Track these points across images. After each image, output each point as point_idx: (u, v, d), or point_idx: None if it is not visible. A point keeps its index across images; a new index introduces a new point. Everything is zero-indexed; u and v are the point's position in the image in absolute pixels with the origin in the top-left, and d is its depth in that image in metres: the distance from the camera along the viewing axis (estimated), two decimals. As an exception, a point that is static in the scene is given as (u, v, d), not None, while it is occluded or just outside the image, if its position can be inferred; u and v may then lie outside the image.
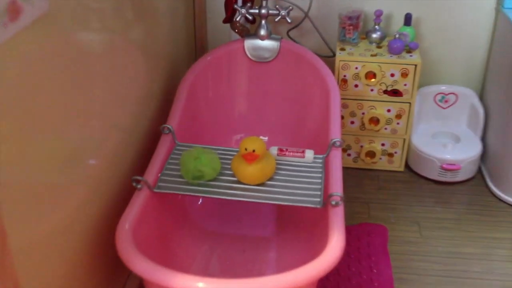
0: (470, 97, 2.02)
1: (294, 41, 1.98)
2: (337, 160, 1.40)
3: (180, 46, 1.89)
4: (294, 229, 1.55)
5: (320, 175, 1.39)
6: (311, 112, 1.73)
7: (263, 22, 1.72)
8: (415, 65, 1.82)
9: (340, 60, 1.85)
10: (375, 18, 1.90)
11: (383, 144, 2.00)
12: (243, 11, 1.72)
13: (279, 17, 1.72)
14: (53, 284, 1.05)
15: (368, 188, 1.96)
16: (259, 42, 1.74)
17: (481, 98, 2.04)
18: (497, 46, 1.92)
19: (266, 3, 1.72)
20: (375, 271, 1.58)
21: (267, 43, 1.73)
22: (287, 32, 2.00)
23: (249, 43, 1.74)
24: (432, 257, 1.65)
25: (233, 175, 1.37)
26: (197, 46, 2.04)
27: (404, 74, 1.83)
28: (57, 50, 0.99)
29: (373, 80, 1.86)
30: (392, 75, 1.84)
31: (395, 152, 2.01)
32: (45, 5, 0.92)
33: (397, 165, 2.03)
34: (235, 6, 1.73)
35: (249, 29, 1.81)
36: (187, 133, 1.58)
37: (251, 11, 1.72)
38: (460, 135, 2.02)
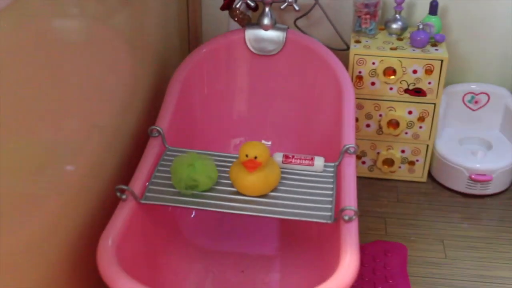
0: (504, 97, 2.03)
1: (302, 31, 1.99)
2: (350, 169, 1.41)
3: (171, 36, 1.90)
4: (301, 247, 1.56)
5: (331, 185, 1.40)
6: (321, 113, 1.74)
7: (266, 9, 1.74)
8: (441, 61, 1.83)
9: (355, 54, 1.86)
10: (396, 6, 1.91)
11: (403, 151, 2.01)
12: (244, -4, 1.73)
13: (286, 4, 1.73)
14: (25, 307, 1.06)
15: (385, 201, 1.97)
16: (262, 33, 1.75)
17: (516, 98, 2.06)
18: (535, 40, 1.94)
19: (271, -12, 1.73)
20: (393, 296, 1.60)
21: (271, 33, 1.74)
22: (295, 22, 2.01)
23: (250, 33, 1.75)
24: (459, 281, 1.66)
25: (231, 185, 1.38)
26: (190, 36, 2.05)
27: (429, 71, 1.84)
28: (28, 40, 1.00)
29: (392, 77, 1.87)
30: (415, 71, 1.85)
31: (417, 160, 2.02)
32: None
33: (419, 175, 2.04)
34: (235, -9, 1.74)
35: (250, 17, 1.82)
36: (179, 136, 1.59)
37: (254, -4, 1.74)
38: (492, 141, 2.03)
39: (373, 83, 1.89)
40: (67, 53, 1.17)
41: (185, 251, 1.53)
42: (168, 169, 1.40)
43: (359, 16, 1.91)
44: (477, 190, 1.95)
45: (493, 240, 1.81)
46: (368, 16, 1.90)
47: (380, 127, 1.96)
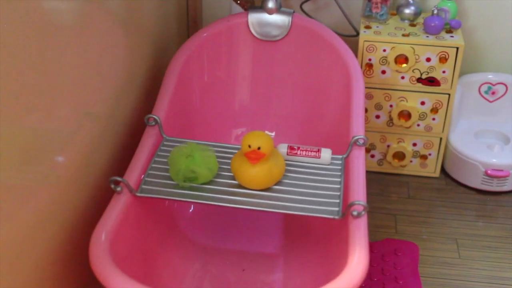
0: (522, 88, 2.03)
1: (309, 16, 1.99)
2: (359, 162, 1.41)
3: (169, 20, 1.90)
4: (306, 245, 1.55)
5: (338, 179, 1.40)
6: (329, 103, 1.73)
7: (271, -8, 1.73)
8: (457, 48, 1.82)
9: (365, 41, 1.85)
10: (409, -10, 1.91)
11: (414, 144, 2.00)
12: (248, -22, 1.73)
13: (292, -14, 1.73)
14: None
15: (395, 197, 1.97)
16: (266, 17, 1.74)
17: (536, 89, 2.05)
18: (556, 27, 1.93)
19: (276, -31, 1.73)
20: (403, 298, 1.59)
21: (276, 17, 1.74)
22: (301, 5, 2.00)
23: (254, 17, 1.74)
24: (473, 282, 1.66)
25: (233, 178, 1.38)
26: (189, 20, 2.04)
27: (443, 59, 1.84)
28: (15, 21, 0.99)
29: (404, 65, 1.86)
30: (428, 59, 1.85)
31: (429, 154, 2.01)
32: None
33: (431, 169, 2.04)
34: (238, -29, 1.73)
35: (254, 0, 1.81)
36: (178, 126, 1.59)
37: (258, -22, 1.73)
38: (509, 135, 2.03)
39: (383, 72, 1.89)
40: (58, 36, 1.16)
41: (182, 247, 1.53)
42: (166, 160, 1.40)
43: (369, 0, 1.91)
44: (493, 186, 1.95)
45: (510, 239, 1.81)
46: (379, 0, 1.89)
47: (391, 119, 1.96)
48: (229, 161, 1.40)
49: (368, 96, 1.93)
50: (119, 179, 1.28)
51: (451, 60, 1.83)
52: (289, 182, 1.38)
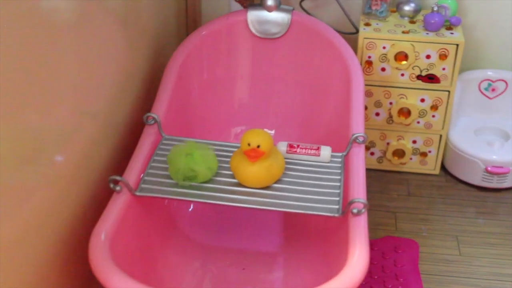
0: (522, 85, 2.03)
1: (309, 13, 1.98)
2: (359, 160, 1.41)
3: (168, 18, 1.89)
4: (306, 243, 1.55)
5: (338, 177, 1.40)
6: (328, 100, 1.73)
7: (270, -11, 1.73)
8: (457, 45, 1.82)
9: (365, 38, 1.85)
10: (408, -13, 1.90)
11: (414, 142, 2.00)
12: (247, -25, 1.72)
13: (291, -17, 1.72)
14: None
15: (395, 195, 1.96)
16: (265, 14, 1.74)
17: (536, 86, 2.05)
18: (556, 23, 1.93)
19: (275, -34, 1.72)
20: (403, 295, 1.59)
21: (275, 15, 1.73)
22: (300, 3, 2.00)
23: (253, 15, 1.74)
24: (473, 279, 1.66)
25: (232, 176, 1.37)
26: (188, 18, 2.04)
27: (443, 56, 1.83)
28: (13, 20, 0.99)
29: (404, 62, 1.86)
30: (428, 56, 1.84)
31: (429, 151, 2.01)
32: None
33: (431, 167, 2.04)
34: (237, -31, 1.73)
35: (253, -2, 1.81)
36: (177, 124, 1.58)
37: (256, -25, 1.73)
38: (509, 132, 2.02)
39: (383, 69, 1.88)
40: (57, 35, 1.16)
41: (182, 246, 1.53)
42: (165, 159, 1.40)
43: (369, -3, 1.91)
44: (494, 183, 1.95)
45: (510, 236, 1.81)
46: (378, -3, 1.89)
47: (391, 116, 1.95)
48: (229, 159, 1.40)
49: (368, 94, 1.93)
50: (118, 178, 1.28)
51: (451, 57, 1.83)
52: (288, 180, 1.38)
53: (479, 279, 1.66)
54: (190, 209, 1.65)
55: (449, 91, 1.89)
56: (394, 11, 1.96)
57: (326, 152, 1.45)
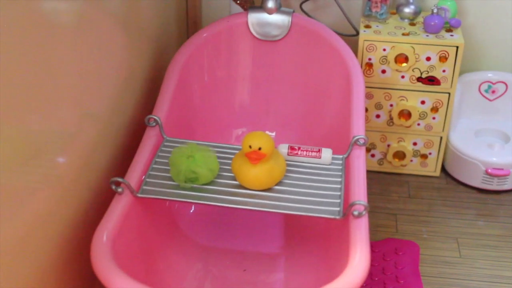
0: (522, 87, 2.04)
1: (309, 15, 1.99)
2: (360, 162, 1.41)
3: (169, 20, 1.89)
4: (306, 245, 1.56)
5: (339, 179, 1.40)
6: (329, 103, 1.74)
7: (271, -9, 1.73)
8: (457, 47, 1.82)
9: (365, 40, 1.85)
10: (408, -11, 1.91)
11: (415, 144, 2.00)
12: (247, -22, 1.73)
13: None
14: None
15: (395, 197, 1.97)
16: (266, 17, 1.74)
17: (536, 88, 2.05)
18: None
19: (276, -31, 1.73)
20: (404, 297, 1.60)
21: (275, 17, 1.74)
22: (301, 5, 2.00)
23: (253, 17, 1.75)
24: (474, 282, 1.66)
25: (233, 178, 1.38)
26: (189, 20, 2.04)
27: (443, 58, 1.84)
28: (15, 22, 0.99)
29: (404, 64, 1.86)
30: (428, 59, 1.85)
31: (430, 153, 2.01)
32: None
33: (432, 169, 2.04)
34: (237, -29, 1.74)
35: (253, 0, 1.81)
36: (178, 126, 1.59)
37: (257, -22, 1.74)
38: (510, 134, 2.03)
39: (383, 71, 1.89)
40: (58, 36, 1.16)
41: (183, 248, 1.54)
42: (166, 161, 1.40)
43: (369, 0, 1.91)
44: (494, 185, 1.95)
45: (510, 238, 1.81)
46: (379, 0, 1.89)
47: (391, 118, 1.96)
48: (230, 161, 1.40)
49: (368, 96, 1.93)
50: (120, 180, 1.28)
51: (451, 59, 1.84)
52: (290, 182, 1.39)
53: (479, 281, 1.66)
54: (191, 211, 1.65)
55: (449, 93, 1.90)
56: (394, 13, 1.97)
57: (327, 154, 1.45)
